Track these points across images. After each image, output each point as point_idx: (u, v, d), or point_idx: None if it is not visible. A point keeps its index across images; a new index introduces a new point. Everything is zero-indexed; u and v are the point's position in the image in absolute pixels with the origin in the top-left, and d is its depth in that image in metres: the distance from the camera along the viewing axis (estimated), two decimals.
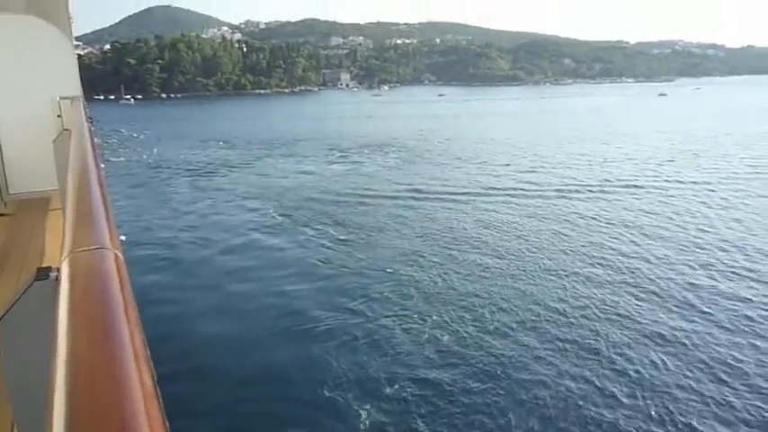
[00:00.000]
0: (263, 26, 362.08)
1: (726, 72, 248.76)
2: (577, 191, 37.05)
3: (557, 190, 37.30)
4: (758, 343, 16.10)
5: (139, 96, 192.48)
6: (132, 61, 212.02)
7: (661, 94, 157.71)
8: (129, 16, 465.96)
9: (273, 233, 28.50)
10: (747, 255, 23.68)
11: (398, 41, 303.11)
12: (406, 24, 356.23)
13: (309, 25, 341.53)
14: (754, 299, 19.20)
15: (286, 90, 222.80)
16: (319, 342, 16.25)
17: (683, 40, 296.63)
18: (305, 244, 26.49)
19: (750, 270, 21.86)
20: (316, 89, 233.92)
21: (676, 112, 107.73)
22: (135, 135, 79.33)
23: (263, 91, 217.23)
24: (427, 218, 30.80)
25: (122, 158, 56.06)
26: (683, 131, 71.57)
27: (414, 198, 35.60)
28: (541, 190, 37.41)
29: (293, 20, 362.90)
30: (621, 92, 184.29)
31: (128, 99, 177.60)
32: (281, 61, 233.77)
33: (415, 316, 18.10)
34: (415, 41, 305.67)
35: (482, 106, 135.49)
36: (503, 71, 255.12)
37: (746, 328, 17.05)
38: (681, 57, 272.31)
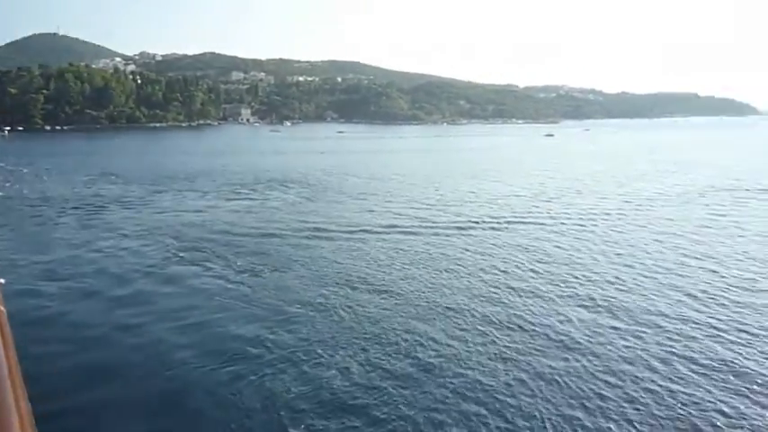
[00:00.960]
0: (159, 58, 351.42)
1: (604, 115, 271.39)
2: (471, 227, 38.82)
3: (453, 226, 38.86)
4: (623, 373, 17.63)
5: (21, 128, 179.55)
6: (14, 90, 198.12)
7: (548, 135, 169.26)
8: (9, 43, 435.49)
9: (169, 273, 27.56)
10: (614, 287, 25.92)
11: (300, 78, 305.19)
12: (308, 62, 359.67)
13: (209, 59, 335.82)
14: (619, 327, 21.05)
15: (183, 124, 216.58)
16: (212, 395, 15.93)
17: (566, 85, 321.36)
18: (202, 283, 25.87)
19: (614, 301, 23.94)
20: (215, 123, 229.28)
21: (563, 151, 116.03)
22: (15, 169, 73.90)
23: (158, 124, 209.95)
24: (328, 254, 31.01)
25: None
26: (568, 170, 77.26)
27: (314, 235, 35.77)
28: (437, 226, 38.87)
29: (191, 53, 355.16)
30: (513, 132, 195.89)
31: (1, 131, 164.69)
32: (178, 94, 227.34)
33: (312, 359, 18.18)
34: (317, 79, 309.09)
35: (381, 143, 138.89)
36: (402, 110, 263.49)
37: (607, 357, 18.64)
38: (564, 100, 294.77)
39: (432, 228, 38.51)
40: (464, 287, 25.63)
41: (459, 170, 77.15)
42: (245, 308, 22.72)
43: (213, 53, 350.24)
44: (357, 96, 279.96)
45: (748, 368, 17.95)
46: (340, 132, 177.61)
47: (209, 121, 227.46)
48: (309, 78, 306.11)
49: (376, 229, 37.94)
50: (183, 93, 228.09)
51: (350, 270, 27.85)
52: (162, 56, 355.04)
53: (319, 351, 18.59)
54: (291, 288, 25.02)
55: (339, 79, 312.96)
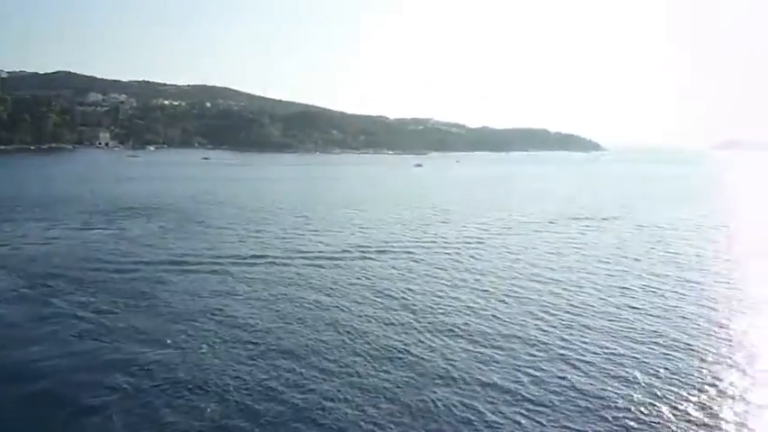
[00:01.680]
0: (4, 75, 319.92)
1: (468, 148, 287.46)
2: (340, 256, 39.25)
3: (323, 256, 39.06)
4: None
5: None
6: None
7: (417, 165, 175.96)
8: None
9: (16, 308, 25.09)
10: (471, 311, 27.48)
11: (166, 102, 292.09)
12: (174, 86, 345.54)
13: (63, 78, 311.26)
14: (472, 350, 22.29)
15: (32, 147, 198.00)
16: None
17: (433, 118, 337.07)
18: (53, 317, 23.82)
19: (469, 326, 25.38)
20: (69, 147, 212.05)
21: (433, 181, 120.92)
22: None
23: (3, 147, 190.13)
24: (189, 288, 29.78)
25: None
26: (437, 199, 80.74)
27: (174, 266, 34.21)
28: (306, 256, 38.85)
29: (42, 71, 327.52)
30: (384, 162, 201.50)
31: None
32: (27, 115, 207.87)
33: (168, 391, 17.30)
34: (184, 104, 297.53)
35: (246, 171, 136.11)
36: (275, 138, 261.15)
37: (460, 381, 19.65)
38: (431, 133, 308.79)
39: (300, 257, 38.35)
40: (325, 318, 25.74)
41: (331, 199, 77.78)
42: (89, 351, 21.00)
43: (68, 72, 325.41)
44: (227, 122, 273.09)
45: (582, 388, 19.76)
46: (205, 159, 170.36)
47: (62, 145, 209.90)
48: (176, 102, 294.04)
49: (241, 259, 37.07)
50: (33, 113, 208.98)
51: (211, 305, 26.86)
52: (8, 72, 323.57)
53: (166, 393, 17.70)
54: (141, 328, 23.49)
55: (208, 104, 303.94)
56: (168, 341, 21.97)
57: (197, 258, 36.84)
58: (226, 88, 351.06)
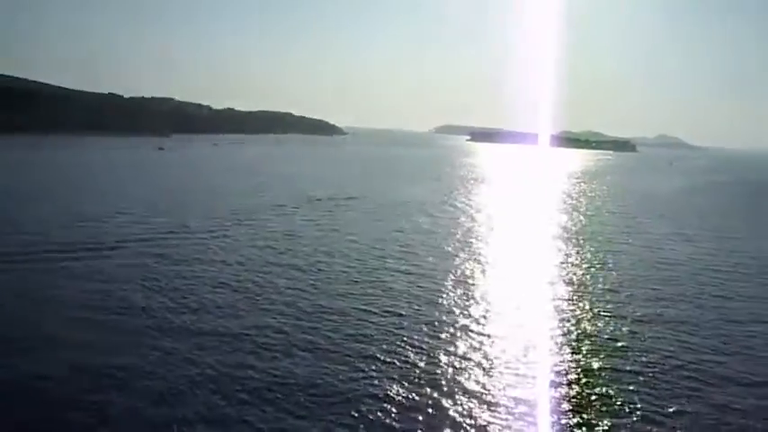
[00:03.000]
0: None
1: (213, 130, 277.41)
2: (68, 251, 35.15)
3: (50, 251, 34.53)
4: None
5: None
6: None
7: (159, 148, 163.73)
8: None
9: None
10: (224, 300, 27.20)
11: None
12: None
13: None
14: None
15: None
16: None
17: (175, 98, 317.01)
18: None
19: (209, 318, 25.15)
20: None
21: (179, 165, 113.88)
22: None
23: None
24: None
25: None
26: (189, 184, 76.53)
27: None
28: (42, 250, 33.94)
29: None
30: (115, 146, 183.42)
31: None
32: None
33: None
34: None
35: None
36: None
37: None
38: (175, 114, 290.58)
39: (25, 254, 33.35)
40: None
41: (59, 190, 68.28)
42: None
43: None
44: None
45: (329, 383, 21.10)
46: None
47: None
48: None
49: None
50: None
51: None
52: None
53: None
54: None
55: None
56: None
57: None
58: None
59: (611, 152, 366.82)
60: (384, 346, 22.59)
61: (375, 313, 26.59)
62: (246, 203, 58.90)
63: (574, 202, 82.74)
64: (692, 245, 50.11)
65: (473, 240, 45.89)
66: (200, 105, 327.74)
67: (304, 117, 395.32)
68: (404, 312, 26.85)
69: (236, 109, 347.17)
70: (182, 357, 20.65)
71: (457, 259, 38.64)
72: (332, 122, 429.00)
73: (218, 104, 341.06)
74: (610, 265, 39.70)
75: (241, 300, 27.45)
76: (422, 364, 21.26)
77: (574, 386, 20.38)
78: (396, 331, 24.29)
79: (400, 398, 18.74)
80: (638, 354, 23.48)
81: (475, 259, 39.19)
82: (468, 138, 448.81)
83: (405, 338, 23.50)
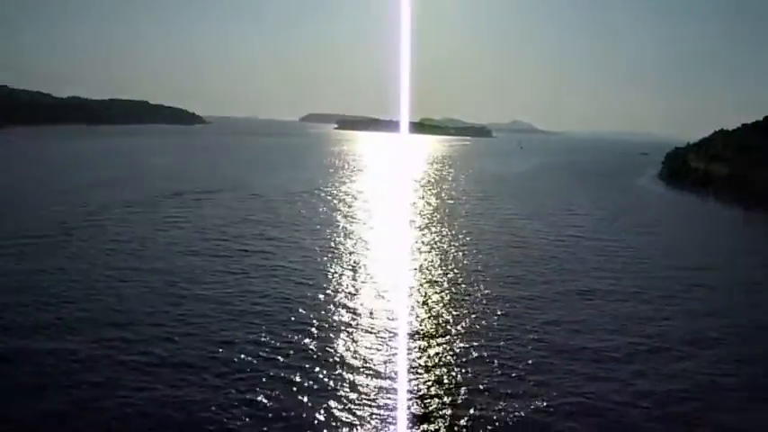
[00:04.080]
0: None
1: (56, 120, 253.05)
2: None
3: None
4: None
5: None
6: None
7: None
8: None
9: None
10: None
11: None
12: None
13: None
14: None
15: None
16: None
17: (6, 85, 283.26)
18: None
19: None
20: None
21: (10, 161, 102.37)
22: None
23: None
24: None
25: None
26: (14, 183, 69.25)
27: None
28: None
29: None
30: None
31: None
32: None
33: None
34: None
35: None
36: None
37: None
38: (6, 103, 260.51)
39: None
40: None
41: None
42: None
43: None
44: None
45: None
46: None
47: None
48: None
49: None
50: None
51: None
52: None
53: None
54: None
55: None
56: None
57: None
58: None
59: (468, 138, 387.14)
60: (246, 349, 22.60)
61: (237, 311, 26.46)
62: (90, 202, 53.36)
63: (434, 185, 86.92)
64: (539, 221, 55.14)
65: (336, 230, 46.66)
66: (40, 93, 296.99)
67: (161, 106, 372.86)
68: (269, 310, 26.87)
69: (83, 97, 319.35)
70: None
71: (321, 250, 39.19)
72: (192, 111, 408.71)
73: (60, 92, 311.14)
74: (465, 246, 42.68)
75: (71, 316, 25.62)
76: (282, 359, 21.61)
77: (430, 369, 21.61)
78: (257, 334, 24.03)
79: (268, 401, 18.97)
80: (494, 331, 25.56)
81: (338, 249, 40.03)
82: (336, 126, 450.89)
83: (267, 340, 23.51)
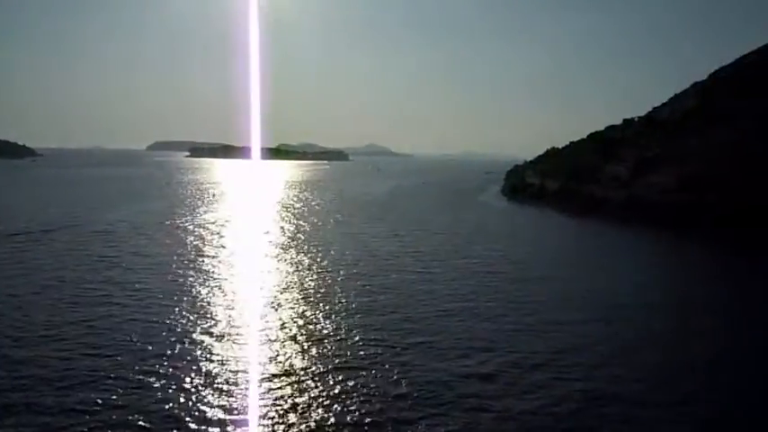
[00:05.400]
0: None
1: None
2: None
3: None
4: None
5: None
6: None
7: None
8: None
9: None
10: None
11: None
12: None
13: None
14: None
15: None
16: None
17: None
18: None
19: None
20: None
21: None
22: None
23: None
24: None
25: None
26: None
27: None
28: None
29: None
30: None
31: None
32: None
33: None
34: None
35: None
36: None
37: None
38: None
39: None
40: None
41: None
42: None
43: None
44: None
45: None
46: None
47: None
48: None
49: None
50: None
51: None
52: None
53: None
54: None
55: None
56: None
57: None
58: None
59: (326, 162, 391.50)
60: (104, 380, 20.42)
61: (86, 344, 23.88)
62: None
63: (291, 210, 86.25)
64: (394, 242, 56.69)
65: (185, 265, 44.01)
66: None
67: None
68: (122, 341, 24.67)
69: None
70: None
71: (176, 283, 36.96)
72: (22, 143, 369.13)
73: None
74: (330, 267, 42.82)
75: None
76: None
77: (289, 390, 21.30)
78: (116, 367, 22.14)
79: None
80: (356, 347, 25.87)
81: (195, 280, 38.06)
82: (188, 154, 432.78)
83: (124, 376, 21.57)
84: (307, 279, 39.53)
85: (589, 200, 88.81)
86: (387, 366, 24.02)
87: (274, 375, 22.91)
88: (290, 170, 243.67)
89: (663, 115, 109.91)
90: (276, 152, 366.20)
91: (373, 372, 23.42)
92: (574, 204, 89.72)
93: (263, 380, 22.39)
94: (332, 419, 19.50)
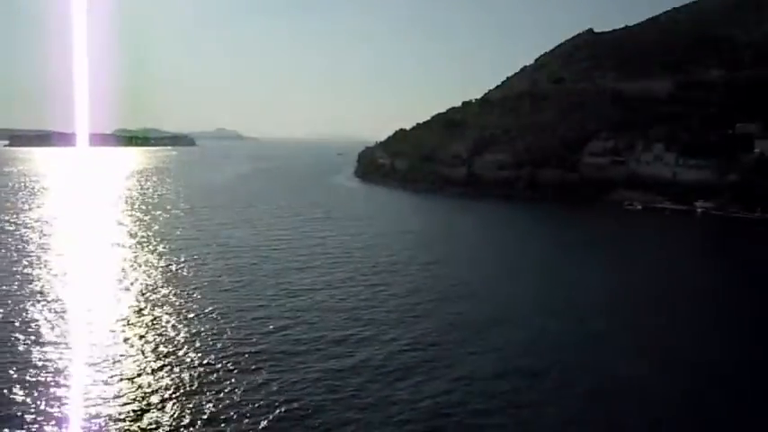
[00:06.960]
0: None
1: None
2: None
3: None
4: None
5: None
6: None
7: None
8: None
9: None
10: None
11: None
12: None
13: None
14: None
15: None
16: None
17: None
18: None
19: None
20: None
21: None
22: None
23: None
24: None
25: None
26: None
27: None
28: None
29: None
30: None
31: None
32: None
33: None
34: None
35: None
36: None
37: None
38: None
39: None
40: None
41: None
42: None
43: None
44: None
45: None
46: None
47: None
48: None
49: None
50: None
51: None
52: None
53: None
54: None
55: None
56: None
57: None
58: None
59: (170, 147, 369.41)
60: None
61: None
62: None
63: (137, 202, 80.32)
64: (247, 228, 55.65)
65: (10, 265, 39.64)
66: None
67: None
68: None
69: None
70: None
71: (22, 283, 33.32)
72: None
73: None
74: (178, 261, 40.94)
75: None
76: None
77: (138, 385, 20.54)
78: None
79: None
80: (195, 336, 25.48)
81: (42, 276, 34.84)
82: (7, 143, 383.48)
83: None
84: (155, 276, 37.42)
85: (436, 178, 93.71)
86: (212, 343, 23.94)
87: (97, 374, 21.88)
88: (129, 157, 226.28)
89: (496, 96, 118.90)
90: (113, 138, 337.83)
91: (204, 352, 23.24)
92: (421, 183, 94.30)
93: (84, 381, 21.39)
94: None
